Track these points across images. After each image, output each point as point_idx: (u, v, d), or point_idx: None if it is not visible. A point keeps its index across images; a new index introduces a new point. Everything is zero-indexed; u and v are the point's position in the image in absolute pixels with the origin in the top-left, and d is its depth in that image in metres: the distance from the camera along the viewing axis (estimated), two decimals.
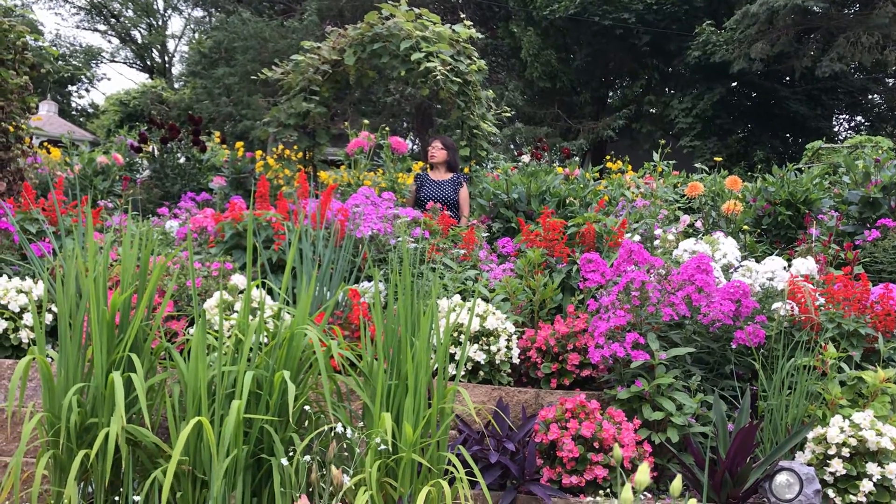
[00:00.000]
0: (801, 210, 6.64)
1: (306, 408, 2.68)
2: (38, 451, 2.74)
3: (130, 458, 2.61)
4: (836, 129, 22.35)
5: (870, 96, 21.53)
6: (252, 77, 10.28)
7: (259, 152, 9.01)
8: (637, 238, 4.52)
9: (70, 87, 37.44)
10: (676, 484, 1.22)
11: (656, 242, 4.46)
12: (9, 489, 2.66)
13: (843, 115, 22.93)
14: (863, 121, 22.48)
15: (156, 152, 8.51)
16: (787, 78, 19.16)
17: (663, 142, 7.06)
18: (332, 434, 2.22)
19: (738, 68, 16.72)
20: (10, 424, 3.20)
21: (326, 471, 2.00)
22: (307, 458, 2.15)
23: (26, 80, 5.92)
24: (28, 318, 3.44)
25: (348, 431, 2.33)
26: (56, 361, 2.80)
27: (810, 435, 3.06)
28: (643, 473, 1.26)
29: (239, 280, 3.54)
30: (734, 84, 19.50)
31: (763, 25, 16.05)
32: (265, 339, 2.91)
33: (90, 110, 37.45)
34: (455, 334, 3.47)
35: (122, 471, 2.65)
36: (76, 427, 2.65)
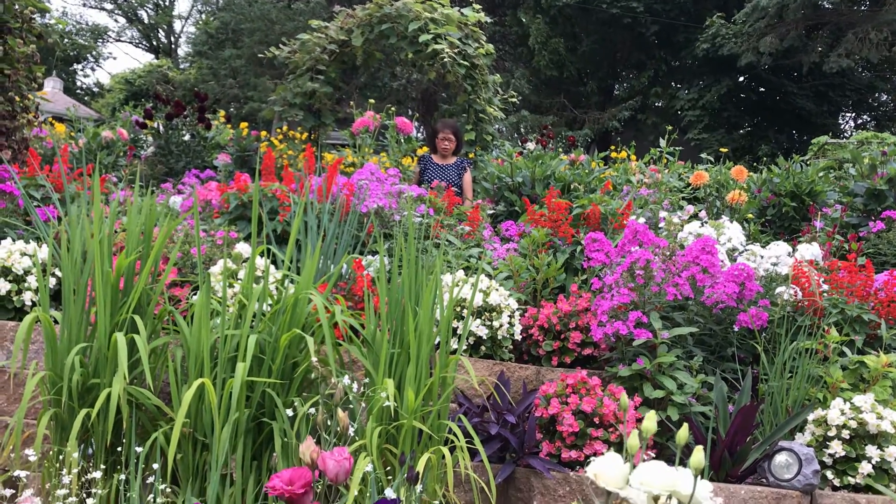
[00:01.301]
0: (806, 202, 6.62)
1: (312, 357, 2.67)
2: (40, 411, 2.75)
3: (132, 419, 2.61)
4: (842, 127, 22.30)
5: (877, 94, 21.45)
6: (259, 56, 10.25)
7: (264, 133, 8.99)
8: (642, 220, 4.51)
9: (75, 66, 37.33)
10: (682, 433, 1.22)
11: (661, 225, 4.45)
12: (10, 448, 2.67)
13: (850, 113, 22.87)
14: (869, 119, 22.42)
15: (161, 129, 8.49)
16: (795, 73, 19.10)
17: (670, 128, 7.03)
18: (339, 383, 2.22)
19: (746, 62, 16.67)
20: (13, 385, 3.21)
21: (333, 415, 2.00)
22: (312, 410, 2.16)
23: (33, 49, 5.90)
24: (31, 281, 3.44)
25: (354, 385, 2.33)
26: (59, 322, 2.80)
27: (810, 417, 3.06)
28: (650, 421, 1.26)
29: (243, 248, 3.54)
30: (741, 78, 19.45)
31: (772, 19, 15.98)
32: (268, 308, 2.91)
33: (95, 89, 37.34)
34: (458, 309, 3.47)
35: (122, 432, 2.66)
36: (78, 387, 2.66)
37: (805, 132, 19.32)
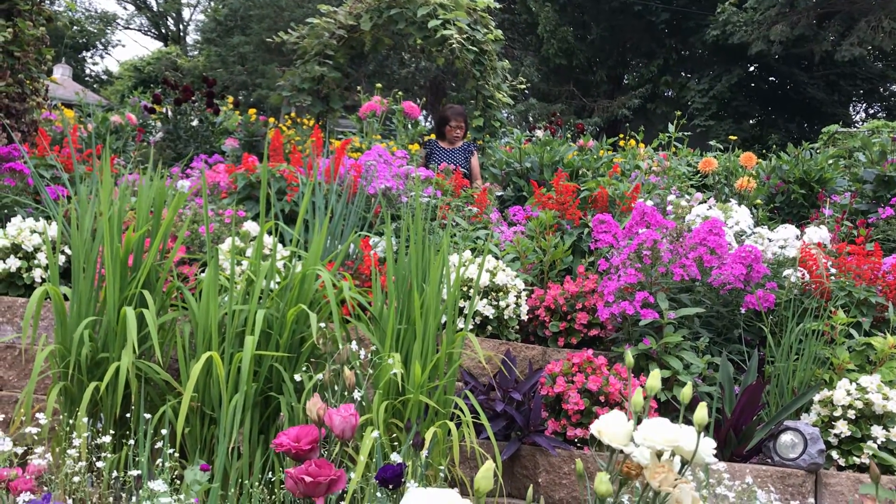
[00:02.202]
0: (815, 189, 6.60)
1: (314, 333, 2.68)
2: (50, 385, 2.78)
3: (141, 393, 2.63)
4: (853, 118, 22.16)
5: (888, 84, 21.32)
6: (267, 41, 10.25)
7: (272, 119, 9.00)
8: (650, 202, 4.51)
9: (84, 53, 37.39)
10: (687, 391, 1.22)
11: (669, 208, 4.44)
12: (20, 420, 2.69)
13: (861, 104, 22.73)
14: (880, 109, 22.28)
15: (169, 114, 8.50)
16: (806, 62, 19.00)
17: (679, 113, 7.01)
18: (345, 346, 2.23)
19: (757, 50, 16.59)
20: (24, 361, 3.23)
21: (339, 372, 2.03)
22: (320, 376, 2.18)
23: (43, 32, 5.91)
24: (41, 258, 3.46)
25: (362, 352, 2.34)
26: (69, 298, 2.82)
27: (816, 398, 3.06)
28: (654, 379, 1.27)
29: (251, 227, 3.55)
30: (752, 67, 19.35)
31: (784, 7, 15.89)
32: (276, 286, 2.92)
33: (104, 77, 37.40)
34: (465, 288, 3.48)
35: (131, 406, 2.68)
36: (87, 360, 2.68)
37: (815, 122, 19.23)
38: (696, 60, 20.81)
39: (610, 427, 1.20)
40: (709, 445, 1.17)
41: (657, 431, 1.15)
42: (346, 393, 1.57)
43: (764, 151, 10.15)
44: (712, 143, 8.93)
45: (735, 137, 9.57)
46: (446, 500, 0.95)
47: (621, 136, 9.57)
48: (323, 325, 2.44)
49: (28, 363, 3.24)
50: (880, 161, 6.16)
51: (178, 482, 2.12)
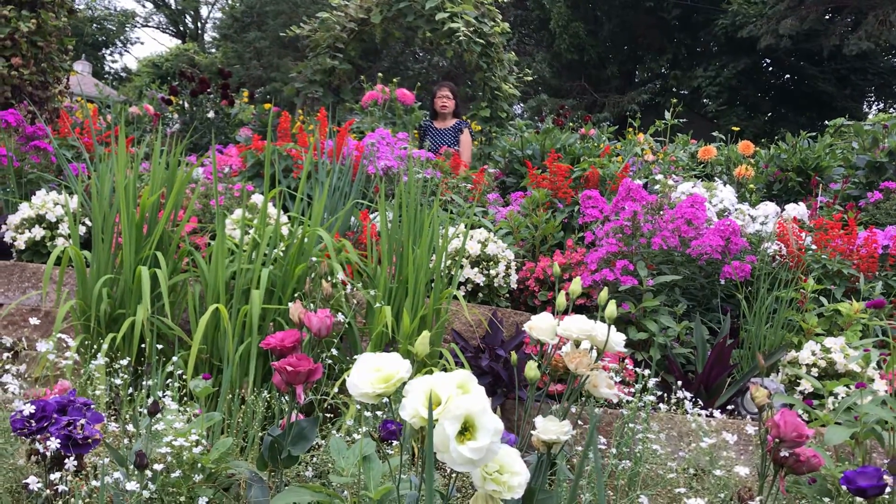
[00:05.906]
0: (812, 177, 6.76)
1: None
2: (73, 338, 3.02)
3: (154, 345, 2.88)
4: (868, 113, 22.16)
5: None
6: (282, 35, 10.52)
7: (286, 113, 9.24)
8: (639, 181, 4.71)
9: (104, 51, 37.92)
10: (603, 294, 1.44)
11: (656, 187, 4.64)
12: (44, 366, 2.94)
13: (875, 101, 22.72)
14: (893, 104, 22.27)
15: (186, 105, 8.77)
16: (816, 57, 19.07)
17: (675, 100, 7.19)
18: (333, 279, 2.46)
19: (766, 44, 16.69)
20: (48, 322, 3.49)
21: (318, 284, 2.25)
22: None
23: (65, 23, 6.19)
24: (63, 228, 3.72)
25: (349, 286, 2.57)
26: (90, 263, 3.07)
27: (785, 358, 3.26)
28: (576, 284, 1.49)
29: (259, 199, 3.79)
30: (762, 61, 19.44)
31: (793, 1, 15.97)
32: (279, 252, 3.15)
33: (123, 74, 37.90)
34: (457, 258, 3.70)
35: (144, 360, 2.92)
36: (105, 315, 2.93)
37: (826, 116, 19.27)
38: (707, 54, 20.92)
39: (539, 324, 1.43)
40: (619, 337, 1.39)
41: (574, 324, 1.38)
42: (323, 302, 1.80)
43: (765, 142, 10.30)
44: (715, 133, 9.09)
45: (738, 128, 9.73)
46: (389, 359, 1.18)
47: (630, 129, 9.75)
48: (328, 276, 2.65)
49: (51, 324, 3.50)
50: (872, 148, 6.33)
51: (187, 399, 2.36)
